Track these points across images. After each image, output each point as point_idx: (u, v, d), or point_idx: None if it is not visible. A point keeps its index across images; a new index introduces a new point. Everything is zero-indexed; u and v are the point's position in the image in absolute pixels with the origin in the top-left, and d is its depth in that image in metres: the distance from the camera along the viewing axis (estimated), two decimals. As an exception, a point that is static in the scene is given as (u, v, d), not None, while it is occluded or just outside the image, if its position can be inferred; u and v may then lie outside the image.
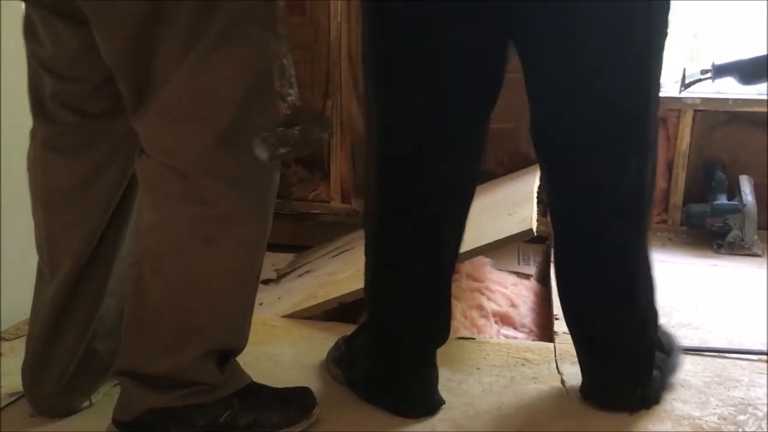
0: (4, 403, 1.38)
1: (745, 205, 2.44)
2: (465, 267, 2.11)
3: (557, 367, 1.56)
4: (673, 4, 1.24)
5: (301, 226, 2.75)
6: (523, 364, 1.58)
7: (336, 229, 2.74)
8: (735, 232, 2.44)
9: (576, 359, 1.57)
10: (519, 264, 2.41)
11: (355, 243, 2.50)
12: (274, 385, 1.32)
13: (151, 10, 1.05)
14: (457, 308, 1.88)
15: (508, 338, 1.83)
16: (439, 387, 1.41)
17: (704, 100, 2.52)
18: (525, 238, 1.90)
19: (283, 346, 1.65)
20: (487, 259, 2.21)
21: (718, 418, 1.37)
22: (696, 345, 1.65)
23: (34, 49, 1.24)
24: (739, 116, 2.57)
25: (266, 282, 2.29)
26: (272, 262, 2.46)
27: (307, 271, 2.37)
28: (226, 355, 1.24)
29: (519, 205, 2.07)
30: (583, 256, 1.36)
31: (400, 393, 1.37)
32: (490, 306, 1.96)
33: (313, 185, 2.83)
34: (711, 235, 2.48)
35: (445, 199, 1.35)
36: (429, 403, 1.38)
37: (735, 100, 2.51)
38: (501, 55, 1.27)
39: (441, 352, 1.43)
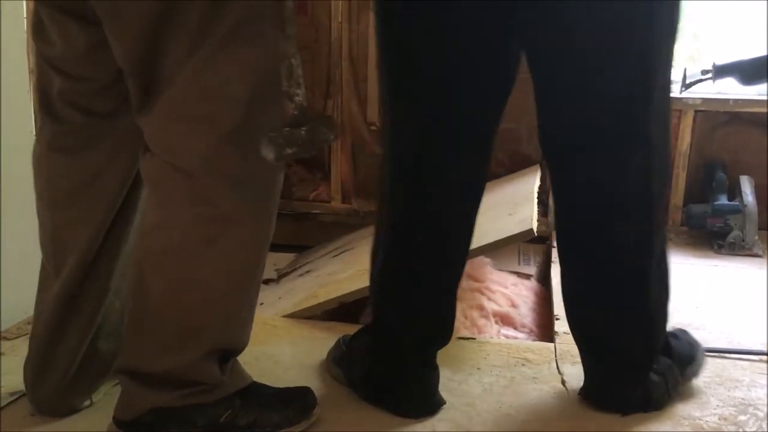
0: (4, 403, 1.38)
1: (745, 206, 2.44)
2: (465, 267, 2.10)
3: (558, 368, 1.56)
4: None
5: (302, 226, 2.75)
6: (523, 365, 1.58)
7: (336, 229, 2.75)
8: (736, 233, 2.44)
9: (576, 359, 1.57)
10: (519, 264, 2.41)
11: (356, 243, 2.50)
12: (275, 385, 1.32)
13: (163, 10, 1.05)
14: (458, 308, 1.87)
15: (508, 338, 1.83)
16: (440, 387, 1.41)
17: (705, 100, 2.52)
18: (525, 238, 1.90)
19: (283, 346, 1.65)
20: (487, 259, 2.21)
21: (719, 419, 1.37)
22: (696, 345, 1.64)
23: (43, 48, 1.24)
24: (739, 116, 2.57)
25: (267, 282, 2.29)
26: (273, 262, 2.46)
27: (307, 271, 2.37)
28: (227, 355, 1.24)
29: (519, 205, 2.07)
30: (583, 256, 1.36)
31: (401, 393, 1.37)
32: (490, 306, 1.96)
33: (314, 185, 2.83)
34: (712, 235, 2.48)
35: (451, 200, 1.35)
36: (429, 404, 1.38)
37: (736, 101, 2.51)
38: (507, 56, 1.27)
39: (441, 352, 1.43)
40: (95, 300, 1.31)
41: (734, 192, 2.51)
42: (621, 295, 1.34)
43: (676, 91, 2.48)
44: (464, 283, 2.05)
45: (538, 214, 2.12)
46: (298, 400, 1.31)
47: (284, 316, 1.87)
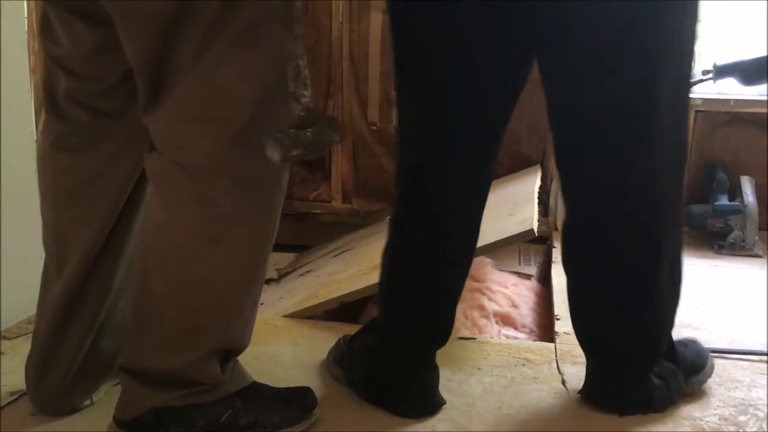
0: (4, 402, 1.38)
1: (746, 206, 2.44)
2: (469, 269, 2.11)
3: (558, 368, 1.56)
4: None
5: (303, 226, 2.75)
6: (523, 365, 1.58)
7: (337, 229, 2.75)
8: (736, 233, 2.44)
9: (576, 360, 1.57)
10: (520, 264, 2.41)
11: (356, 243, 2.50)
12: (275, 385, 1.32)
13: (176, 10, 1.05)
14: (458, 308, 1.88)
15: (508, 338, 1.83)
16: (440, 387, 1.41)
17: (705, 100, 2.52)
18: (526, 238, 1.90)
19: (284, 346, 1.65)
20: (488, 260, 2.21)
21: (719, 419, 1.37)
22: (697, 346, 1.64)
23: (50, 47, 1.24)
24: (740, 117, 2.57)
25: (267, 282, 2.29)
26: (273, 261, 2.46)
27: (308, 271, 2.37)
28: (229, 355, 1.24)
29: (520, 206, 2.07)
30: (587, 255, 1.35)
31: (401, 393, 1.37)
32: (491, 306, 1.96)
33: (315, 185, 2.83)
34: (712, 235, 2.48)
35: (454, 201, 1.35)
36: (429, 404, 1.38)
37: (736, 101, 2.51)
38: (514, 59, 1.27)
39: (442, 352, 1.43)
40: (98, 299, 1.31)
41: (735, 192, 2.51)
42: (624, 296, 1.34)
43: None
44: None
45: (539, 214, 2.12)
46: (298, 400, 1.31)
47: (285, 316, 1.87)
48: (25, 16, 1.79)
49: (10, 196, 1.66)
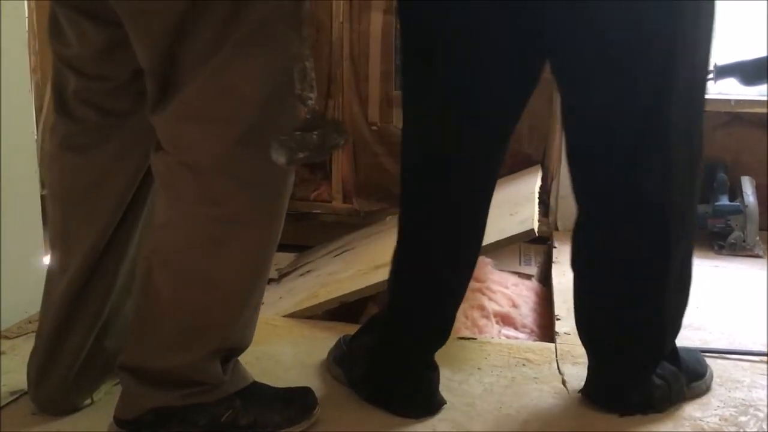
0: (4, 402, 1.37)
1: (746, 206, 2.44)
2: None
3: (558, 368, 1.56)
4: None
5: (303, 226, 2.75)
6: (524, 365, 1.58)
7: (337, 229, 2.75)
8: (737, 233, 2.43)
9: (577, 360, 1.57)
10: (520, 264, 2.41)
11: (357, 243, 2.50)
12: (276, 385, 1.32)
13: (186, 9, 1.05)
14: (459, 308, 1.88)
15: (509, 338, 1.83)
16: (441, 387, 1.41)
17: (706, 100, 2.52)
18: (526, 238, 1.90)
19: (284, 346, 1.65)
20: (488, 260, 2.21)
21: (720, 419, 1.37)
22: (697, 346, 1.64)
23: (59, 47, 1.24)
24: (740, 117, 2.57)
25: (268, 282, 2.28)
26: (274, 261, 2.44)
27: (308, 271, 2.37)
28: (230, 355, 1.24)
29: (520, 206, 2.07)
30: (597, 256, 1.35)
31: (401, 393, 1.37)
32: (491, 306, 1.96)
33: (315, 185, 2.83)
34: (712, 236, 2.48)
35: (459, 201, 1.35)
36: (430, 404, 1.38)
37: (737, 101, 2.51)
38: (527, 59, 1.26)
39: (442, 352, 1.43)
40: (101, 298, 1.31)
41: (735, 192, 2.51)
42: (631, 297, 1.34)
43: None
44: (465, 284, 2.05)
45: (539, 214, 2.12)
46: (298, 400, 1.31)
47: (285, 316, 1.87)
48: (26, 15, 1.79)
49: (10, 196, 1.66)
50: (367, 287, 1.87)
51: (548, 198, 2.67)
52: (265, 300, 2.01)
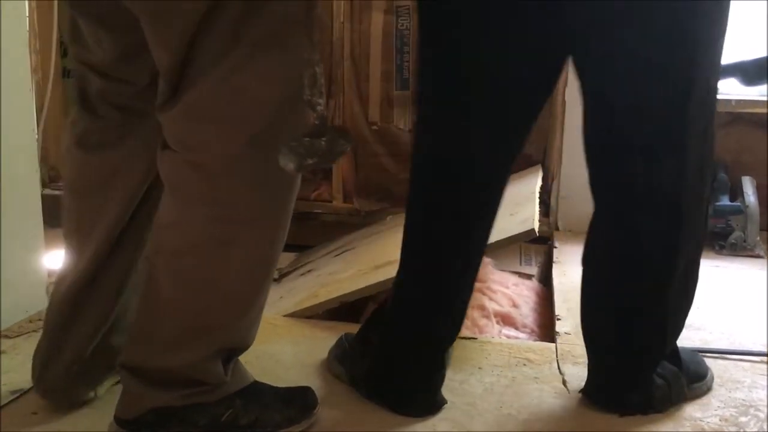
0: (5, 401, 1.37)
1: (747, 206, 2.44)
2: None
3: (559, 368, 1.56)
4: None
5: (303, 226, 2.75)
6: (524, 364, 1.58)
7: (338, 229, 2.75)
8: (737, 234, 2.43)
9: (577, 360, 1.57)
10: (521, 264, 2.41)
11: (357, 243, 2.50)
12: (276, 385, 1.32)
13: (202, 10, 1.05)
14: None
15: (509, 338, 1.83)
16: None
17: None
18: (527, 238, 1.90)
19: (284, 345, 1.65)
20: (488, 259, 2.21)
21: (720, 420, 1.37)
22: (698, 346, 1.64)
23: (80, 52, 1.25)
24: (741, 117, 2.57)
25: (268, 281, 2.29)
26: (274, 261, 2.45)
27: (308, 271, 2.37)
28: (232, 354, 1.24)
29: (521, 206, 2.07)
30: (607, 253, 1.35)
31: (404, 391, 1.37)
32: (491, 306, 1.96)
33: (315, 185, 2.83)
34: (713, 236, 2.48)
35: (470, 198, 1.35)
36: (431, 403, 1.38)
37: (737, 101, 2.50)
38: (549, 59, 1.27)
39: (442, 352, 1.43)
40: (111, 294, 1.31)
41: (736, 193, 2.51)
42: (636, 294, 1.34)
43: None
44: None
45: (540, 214, 2.12)
46: (299, 400, 1.31)
47: (285, 316, 1.87)
48: (26, 15, 1.79)
49: (10, 196, 1.66)
50: (367, 287, 1.87)
51: (549, 198, 2.67)
52: (265, 300, 2.02)
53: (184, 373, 1.19)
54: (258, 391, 1.28)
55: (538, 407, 1.41)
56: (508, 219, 1.97)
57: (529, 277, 2.30)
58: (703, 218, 1.37)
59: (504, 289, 2.08)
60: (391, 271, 1.88)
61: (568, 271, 2.19)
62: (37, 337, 1.62)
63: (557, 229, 2.65)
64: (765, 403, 1.42)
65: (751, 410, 1.40)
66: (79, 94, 1.28)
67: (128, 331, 1.28)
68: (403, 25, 2.72)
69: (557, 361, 1.59)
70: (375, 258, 2.11)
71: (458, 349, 1.61)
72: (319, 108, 1.10)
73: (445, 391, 1.41)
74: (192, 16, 1.05)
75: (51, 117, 2.97)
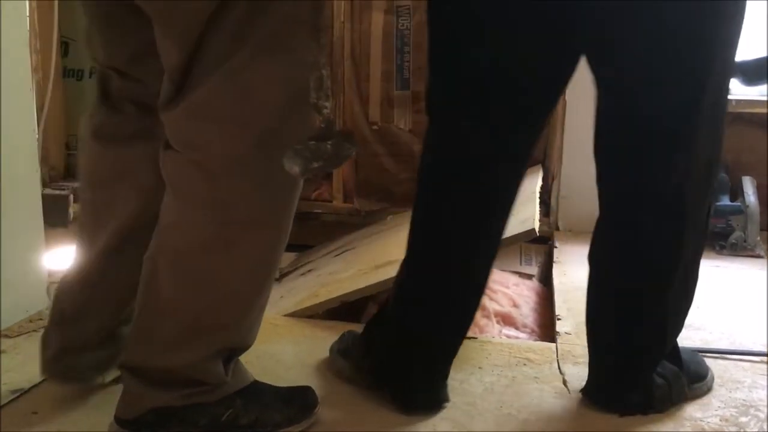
0: (5, 401, 1.37)
1: (747, 206, 2.44)
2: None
3: (559, 368, 1.56)
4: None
5: (304, 226, 2.75)
6: (524, 364, 1.58)
7: (338, 229, 2.75)
8: (737, 234, 2.43)
9: (577, 360, 1.57)
10: (521, 264, 2.41)
11: (357, 242, 2.50)
12: (276, 384, 1.31)
13: (213, 10, 1.05)
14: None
15: (510, 338, 1.83)
16: (441, 386, 1.41)
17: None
18: (527, 238, 1.90)
19: (285, 345, 1.65)
20: (488, 259, 2.21)
21: (720, 420, 1.37)
22: (698, 346, 1.64)
23: (97, 53, 1.27)
24: (741, 117, 2.57)
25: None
26: (274, 261, 2.45)
27: (309, 270, 2.37)
28: (233, 354, 1.24)
29: (521, 205, 2.06)
30: (611, 253, 1.35)
31: (405, 389, 1.37)
32: (492, 306, 1.96)
33: (316, 184, 2.83)
34: (713, 236, 2.48)
35: (477, 204, 1.35)
36: (434, 399, 1.38)
37: (738, 101, 2.50)
38: (563, 57, 1.27)
39: (443, 352, 1.43)
40: (122, 289, 1.31)
41: (736, 192, 2.51)
42: (639, 295, 1.34)
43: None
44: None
45: (540, 214, 2.12)
46: (299, 399, 1.31)
47: (286, 315, 1.87)
48: (27, 15, 1.79)
49: (10, 195, 1.66)
50: (367, 287, 1.87)
51: (549, 198, 2.67)
52: (265, 299, 2.02)
53: (184, 373, 1.19)
54: (258, 390, 1.28)
55: (538, 407, 1.41)
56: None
57: (529, 277, 2.30)
58: (706, 218, 1.37)
59: (504, 288, 2.09)
60: (392, 271, 1.88)
61: (569, 271, 2.19)
62: (37, 336, 1.62)
63: (557, 229, 2.65)
64: (765, 403, 1.42)
65: (752, 410, 1.40)
66: (99, 89, 1.29)
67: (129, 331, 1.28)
68: (403, 25, 2.72)
69: (557, 361, 1.59)
70: (375, 258, 2.11)
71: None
72: (325, 111, 1.09)
73: (446, 391, 1.42)
74: (199, 16, 1.05)
75: (51, 117, 2.97)
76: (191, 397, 1.19)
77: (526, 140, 1.34)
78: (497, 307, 1.97)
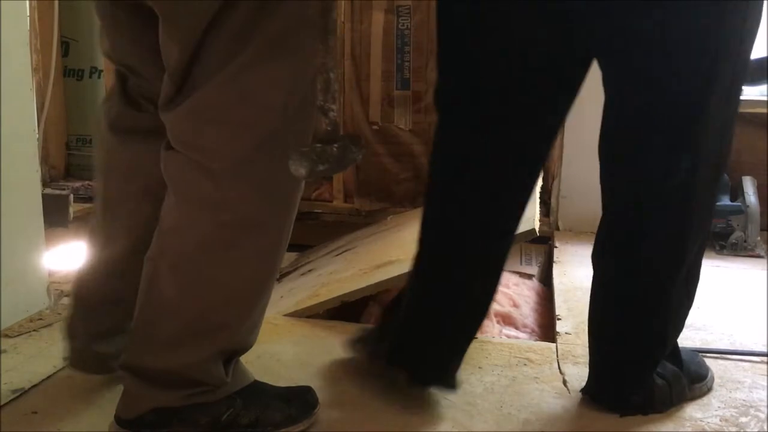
0: (5, 400, 1.37)
1: (748, 206, 2.44)
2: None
3: (559, 368, 1.56)
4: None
5: (304, 226, 2.75)
6: (525, 364, 1.58)
7: (338, 229, 2.75)
8: (738, 233, 2.43)
9: (577, 360, 1.57)
10: (521, 264, 2.41)
11: (358, 242, 2.50)
12: (276, 384, 1.32)
13: (216, 9, 1.05)
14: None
15: (510, 338, 1.83)
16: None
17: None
18: (528, 238, 1.90)
19: (285, 345, 1.65)
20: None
21: (720, 420, 1.37)
22: (698, 346, 1.64)
23: (110, 52, 1.27)
24: (742, 117, 2.54)
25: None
26: (274, 261, 2.45)
27: (309, 270, 2.37)
28: (234, 355, 1.23)
29: (521, 205, 2.07)
30: (616, 253, 1.35)
31: (427, 359, 1.39)
32: (492, 306, 1.96)
33: (316, 184, 2.83)
34: (713, 236, 2.48)
35: (489, 200, 1.36)
36: (450, 378, 1.40)
37: (738, 101, 2.50)
38: (574, 61, 1.28)
39: (443, 352, 1.43)
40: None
41: (736, 192, 2.51)
42: (641, 295, 1.34)
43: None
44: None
45: (540, 214, 2.12)
46: (299, 399, 1.31)
47: (286, 315, 1.87)
48: (27, 14, 1.79)
49: (10, 196, 1.66)
50: (368, 286, 1.87)
51: (549, 198, 2.67)
52: (266, 299, 2.02)
53: (184, 374, 1.18)
54: (258, 390, 1.28)
55: (538, 407, 1.41)
56: (508, 219, 1.97)
57: (529, 276, 2.30)
58: (709, 218, 1.37)
59: (504, 288, 2.09)
60: (392, 271, 1.89)
61: (569, 271, 2.19)
62: (37, 336, 1.63)
63: (557, 228, 2.65)
64: (765, 404, 1.42)
65: (752, 410, 1.40)
66: (119, 84, 1.29)
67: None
68: (403, 24, 2.72)
69: (557, 361, 1.59)
70: (375, 257, 2.11)
71: (459, 349, 1.61)
72: (331, 114, 1.09)
73: (445, 391, 1.41)
74: (202, 16, 1.05)
75: (51, 117, 2.98)
76: (191, 397, 1.19)
77: (536, 141, 1.34)
78: (497, 307, 1.97)
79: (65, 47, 3.04)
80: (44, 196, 1.82)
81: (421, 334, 1.39)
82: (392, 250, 2.11)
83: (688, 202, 1.29)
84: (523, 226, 1.86)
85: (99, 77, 3.06)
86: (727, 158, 1.33)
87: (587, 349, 1.43)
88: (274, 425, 1.25)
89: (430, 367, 1.40)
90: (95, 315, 1.34)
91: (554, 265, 2.27)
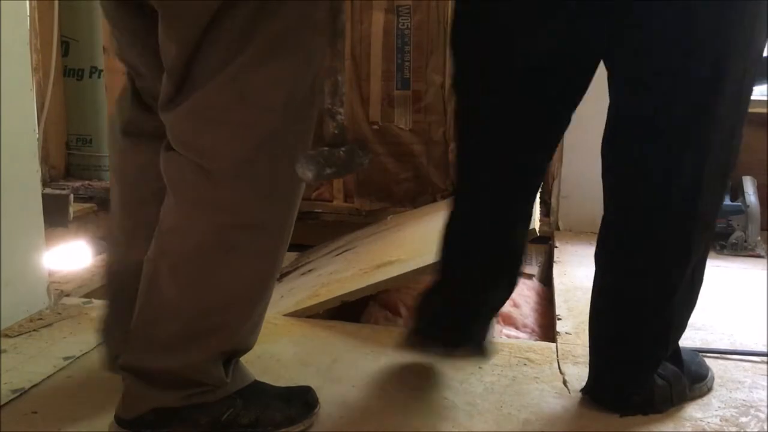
0: (5, 401, 1.37)
1: (748, 206, 2.44)
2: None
3: (559, 367, 1.56)
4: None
5: (304, 225, 2.75)
6: (525, 364, 1.58)
7: (338, 228, 2.75)
8: (738, 233, 2.43)
9: (577, 360, 1.57)
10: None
11: (358, 242, 2.50)
12: (276, 384, 1.32)
13: (216, 10, 1.05)
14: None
15: (510, 338, 1.83)
16: (441, 386, 1.42)
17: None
18: (528, 238, 1.90)
19: (285, 345, 1.65)
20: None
21: (720, 420, 1.37)
22: (698, 346, 1.64)
23: (120, 53, 1.28)
24: (742, 117, 2.57)
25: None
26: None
27: (309, 270, 2.37)
28: (234, 355, 1.23)
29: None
30: (619, 253, 1.35)
31: (455, 330, 1.46)
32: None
33: (316, 184, 2.83)
34: (714, 236, 2.47)
35: (511, 183, 1.41)
36: (484, 347, 1.50)
37: (738, 101, 2.50)
38: (580, 59, 1.29)
39: (443, 352, 1.44)
40: None
41: (737, 192, 2.50)
42: (644, 295, 1.34)
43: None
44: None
45: (541, 214, 2.12)
46: (299, 399, 1.31)
47: (286, 315, 1.87)
48: (27, 14, 1.79)
49: (10, 196, 1.66)
50: (368, 286, 1.87)
51: (549, 198, 2.67)
52: (266, 299, 2.01)
53: (184, 374, 1.18)
54: (258, 390, 1.28)
55: (538, 407, 1.41)
56: (508, 219, 1.97)
57: (529, 276, 2.30)
58: (715, 218, 1.37)
59: (504, 288, 2.08)
60: (392, 271, 1.89)
61: (569, 271, 2.19)
62: (37, 336, 1.63)
63: (558, 228, 2.65)
64: (765, 404, 1.42)
65: (752, 410, 1.40)
66: (130, 85, 1.30)
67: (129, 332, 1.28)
68: (403, 24, 2.72)
69: (558, 360, 1.59)
70: (376, 257, 2.11)
71: (459, 349, 1.61)
72: (339, 117, 1.09)
73: (446, 391, 1.42)
74: (202, 14, 1.05)
75: (51, 117, 2.98)
76: (191, 397, 1.19)
77: (548, 140, 1.40)
78: (497, 307, 1.96)
79: (65, 47, 3.04)
80: (44, 196, 1.82)
81: (454, 308, 1.46)
82: (392, 250, 2.11)
83: (692, 201, 1.29)
84: (523, 226, 1.87)
85: (99, 77, 3.06)
86: (736, 158, 1.33)
87: (587, 349, 1.43)
88: (274, 425, 1.25)
89: (463, 335, 1.47)
90: (129, 317, 1.33)
91: (554, 265, 2.27)
